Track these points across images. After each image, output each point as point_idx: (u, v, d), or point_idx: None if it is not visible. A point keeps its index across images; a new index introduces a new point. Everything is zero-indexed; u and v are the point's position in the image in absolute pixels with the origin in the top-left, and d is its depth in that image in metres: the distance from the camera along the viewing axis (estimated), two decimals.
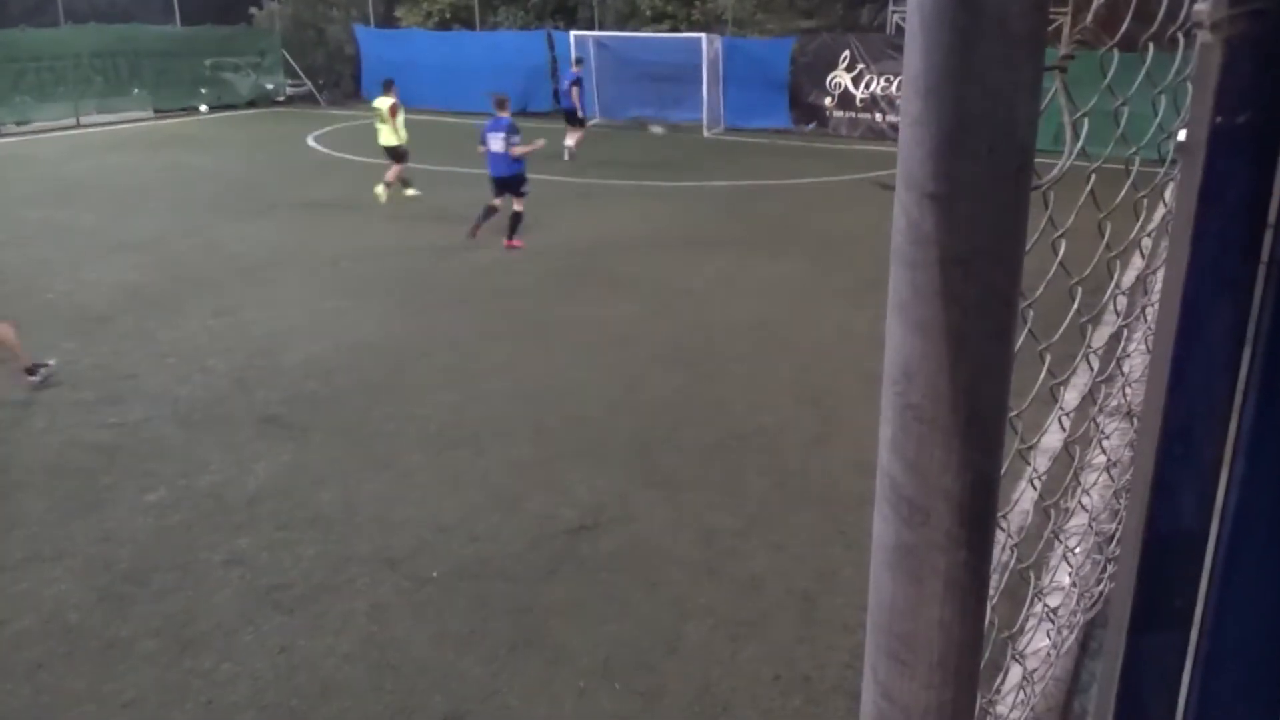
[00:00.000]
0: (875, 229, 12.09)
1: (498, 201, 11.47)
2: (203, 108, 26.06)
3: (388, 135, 13.65)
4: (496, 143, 11.11)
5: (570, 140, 18.03)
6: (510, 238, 11.38)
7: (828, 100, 21.99)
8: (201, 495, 5.49)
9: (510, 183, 11.34)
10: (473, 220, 11.48)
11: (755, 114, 22.52)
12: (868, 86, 21.34)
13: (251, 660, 4.09)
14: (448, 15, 28.17)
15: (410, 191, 13.87)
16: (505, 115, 11.33)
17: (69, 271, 10.22)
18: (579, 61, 19.30)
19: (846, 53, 21.46)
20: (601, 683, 3.96)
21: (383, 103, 13.61)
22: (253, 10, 29.25)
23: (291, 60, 28.22)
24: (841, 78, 21.67)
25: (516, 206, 11.41)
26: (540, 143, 11.72)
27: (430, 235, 12.05)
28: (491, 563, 4.82)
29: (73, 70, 23.31)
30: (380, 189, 13.49)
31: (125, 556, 4.88)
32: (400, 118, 13.57)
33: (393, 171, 13.66)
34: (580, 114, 18.29)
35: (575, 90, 18.05)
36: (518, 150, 11.12)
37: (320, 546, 4.97)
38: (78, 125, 22.85)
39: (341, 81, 29.20)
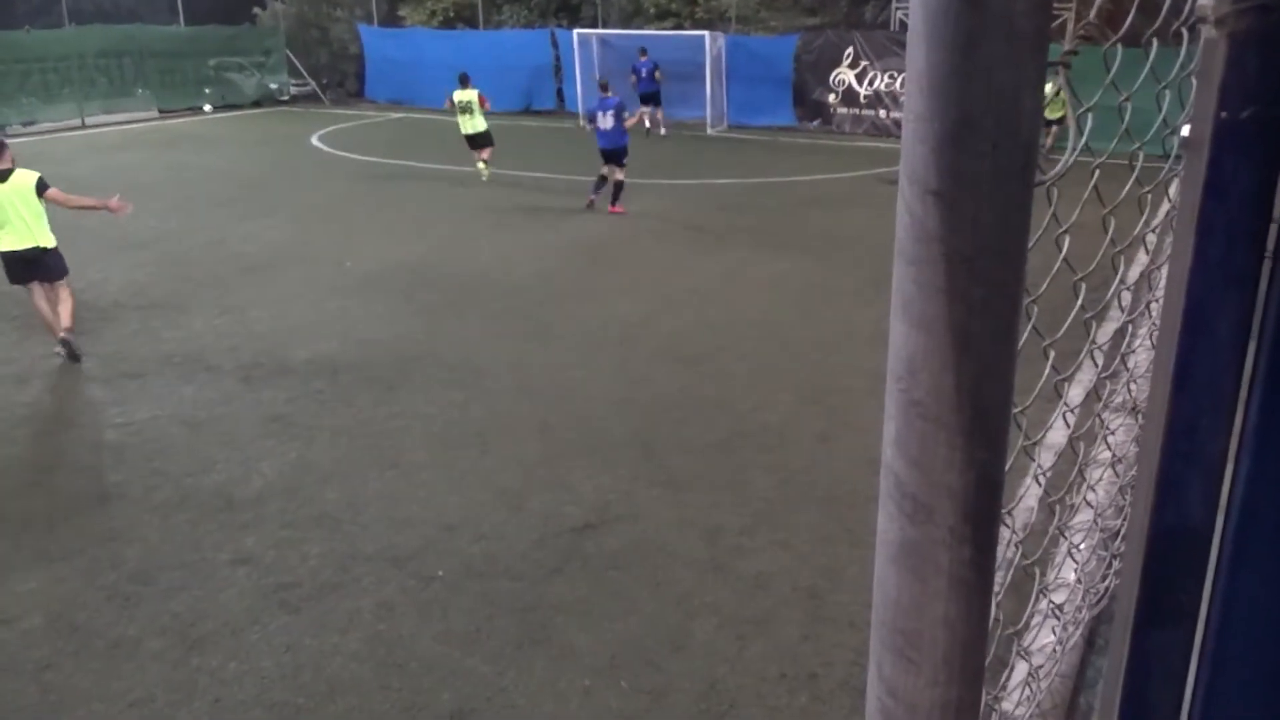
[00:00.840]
0: (879, 226, 12.08)
1: (605, 171, 13.17)
2: (207, 107, 26.10)
3: (474, 123, 15.22)
4: (607, 120, 12.94)
5: (660, 122, 21.24)
6: (614, 204, 13.18)
7: (831, 97, 21.95)
8: (208, 494, 5.51)
9: (617, 153, 13.09)
10: (587, 193, 13.29)
11: (759, 111, 22.49)
12: (871, 83, 21.29)
13: (258, 659, 4.10)
14: (451, 14, 28.18)
15: (486, 173, 15.61)
16: (611, 95, 13.44)
17: (75, 271, 10.18)
18: (644, 50, 21.16)
19: (850, 49, 21.41)
20: (608, 681, 3.96)
21: (470, 94, 15.04)
22: (256, 10, 29.27)
23: (295, 60, 28.25)
24: (845, 74, 21.62)
25: (619, 175, 13.15)
26: (641, 113, 13.90)
27: (433, 234, 12.06)
28: (497, 561, 4.83)
29: (78, 71, 23.35)
30: (484, 171, 15.49)
31: (132, 555, 4.90)
32: (487, 105, 15.36)
33: (488, 151, 15.50)
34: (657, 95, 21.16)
35: (658, 73, 20.95)
36: (630, 122, 13.34)
37: (326, 545, 4.98)
38: (83, 126, 22.90)
39: (345, 81, 29.23)
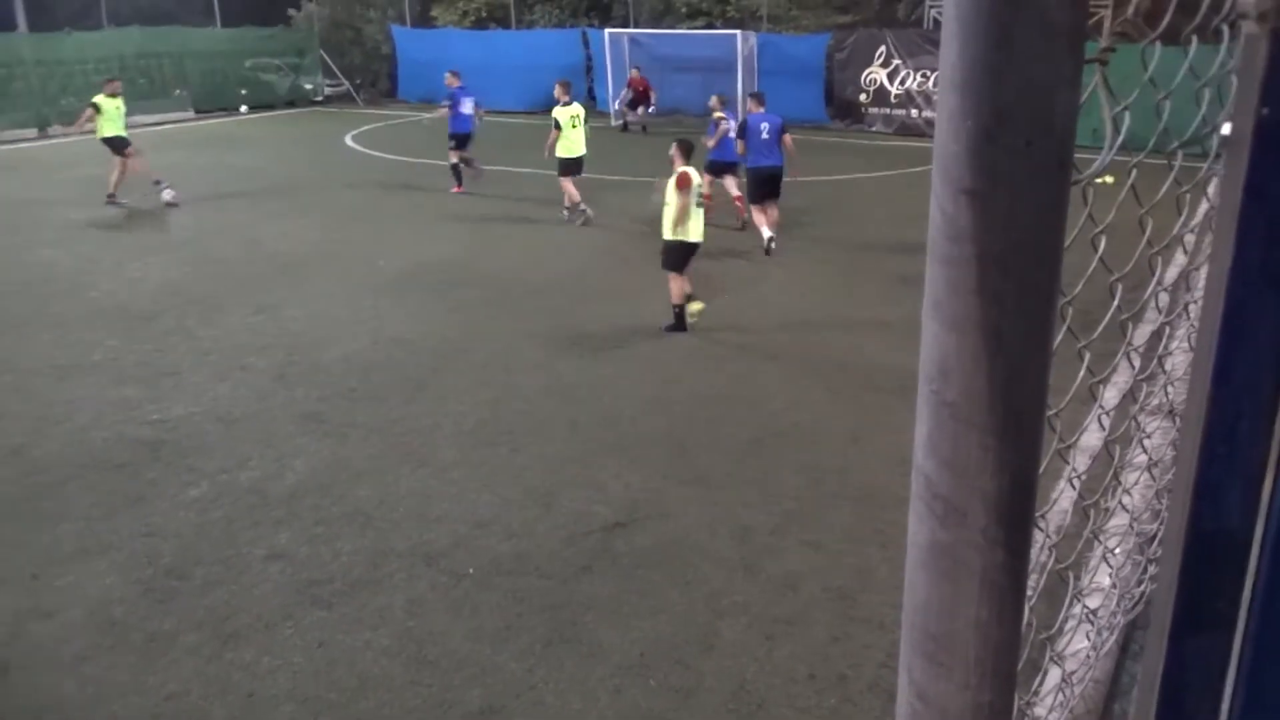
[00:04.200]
0: (912, 225, 11.98)
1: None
2: (242, 108, 26.37)
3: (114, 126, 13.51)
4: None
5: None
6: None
7: (863, 96, 21.82)
8: (243, 490, 5.57)
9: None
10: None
11: (790, 110, 22.39)
12: (903, 82, 21.15)
13: (291, 654, 4.14)
14: (483, 14, 28.30)
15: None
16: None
17: (112, 270, 10.40)
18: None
19: (882, 48, 21.27)
20: (636, 679, 3.96)
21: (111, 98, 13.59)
22: (291, 11, 29.55)
23: (329, 60, 28.49)
24: (877, 73, 21.49)
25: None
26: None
27: (464, 235, 12.12)
28: (527, 559, 4.84)
29: (117, 72, 23.57)
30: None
31: (168, 551, 4.96)
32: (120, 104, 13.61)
33: (141, 163, 13.55)
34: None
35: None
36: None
37: (358, 542, 5.02)
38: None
39: (378, 81, 29.43)
